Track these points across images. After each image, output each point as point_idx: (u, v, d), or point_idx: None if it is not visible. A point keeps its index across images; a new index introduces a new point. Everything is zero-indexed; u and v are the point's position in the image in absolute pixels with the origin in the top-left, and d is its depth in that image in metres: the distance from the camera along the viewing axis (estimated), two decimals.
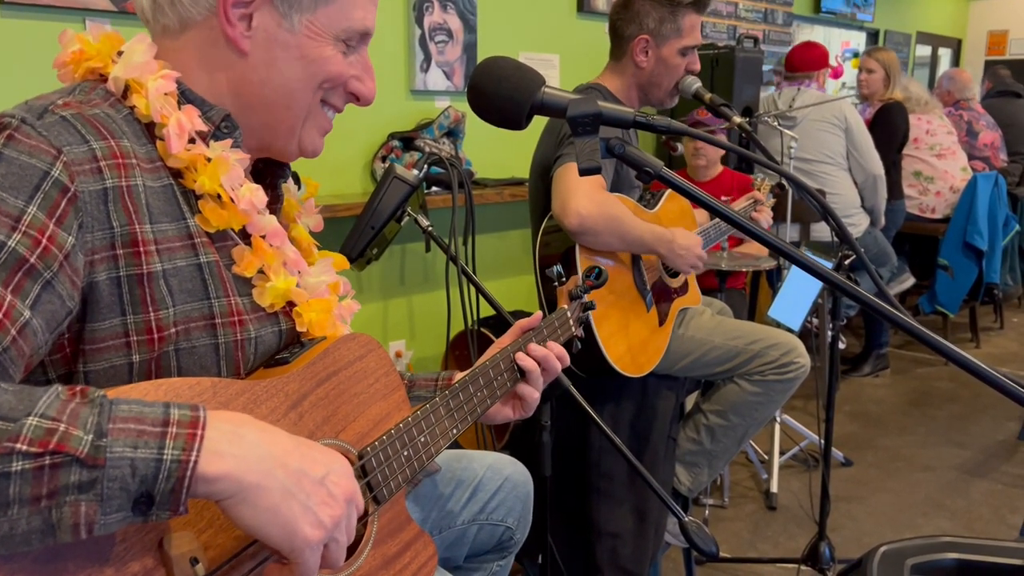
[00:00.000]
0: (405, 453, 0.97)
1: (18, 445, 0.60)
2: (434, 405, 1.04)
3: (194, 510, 0.74)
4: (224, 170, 0.88)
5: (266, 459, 0.71)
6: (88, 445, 0.62)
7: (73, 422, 0.62)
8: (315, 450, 0.77)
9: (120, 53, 0.88)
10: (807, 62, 3.72)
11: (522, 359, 1.22)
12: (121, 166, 0.81)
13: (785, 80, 3.82)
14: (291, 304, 0.96)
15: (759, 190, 2.50)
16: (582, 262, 1.86)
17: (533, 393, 1.24)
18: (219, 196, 0.89)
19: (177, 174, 0.88)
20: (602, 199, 1.84)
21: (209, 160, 0.88)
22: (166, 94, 0.87)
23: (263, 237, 0.93)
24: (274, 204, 1.02)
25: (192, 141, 0.87)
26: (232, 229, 0.91)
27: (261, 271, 0.93)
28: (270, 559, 0.79)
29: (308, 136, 0.99)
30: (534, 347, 1.23)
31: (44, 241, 0.74)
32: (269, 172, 1.03)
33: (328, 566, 0.77)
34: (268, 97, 0.94)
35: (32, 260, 0.73)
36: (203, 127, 0.89)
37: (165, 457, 0.65)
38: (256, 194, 0.92)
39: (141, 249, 0.81)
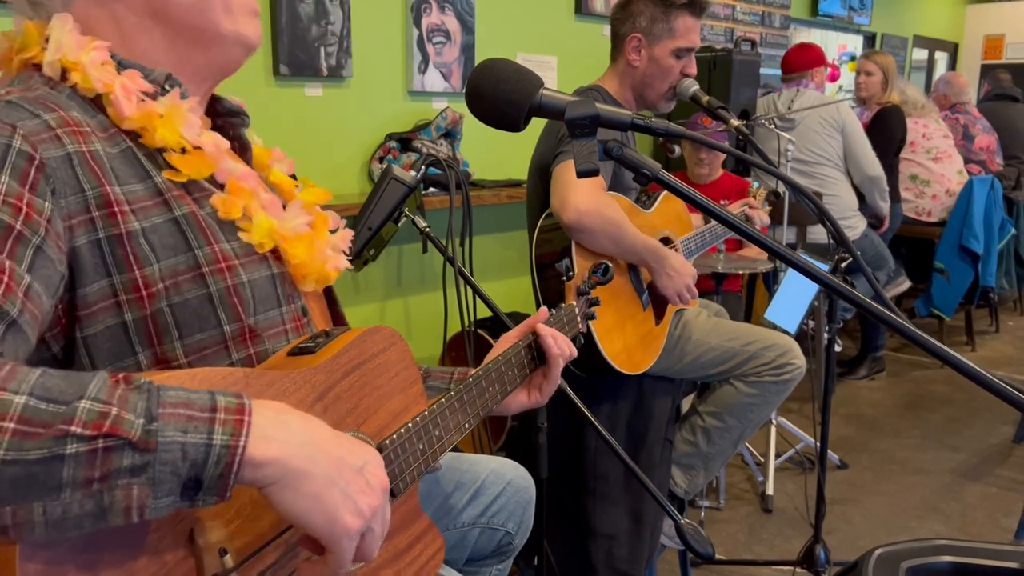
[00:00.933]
0: (420, 446, 0.98)
1: (73, 428, 0.60)
2: (449, 399, 1.05)
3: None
4: (180, 120, 0.89)
5: (309, 445, 0.71)
6: (140, 429, 0.62)
7: (124, 406, 0.62)
8: (351, 441, 0.78)
9: (48, 39, 0.88)
10: (803, 62, 3.73)
11: (543, 339, 1.23)
12: (77, 133, 0.81)
13: (783, 82, 3.83)
14: (277, 248, 0.96)
15: (755, 197, 2.50)
16: (578, 262, 1.86)
17: (556, 373, 1.24)
18: (183, 149, 0.89)
19: (134, 136, 0.88)
20: (601, 199, 1.84)
21: (162, 115, 0.88)
22: (103, 64, 0.87)
23: (236, 181, 0.93)
24: (243, 154, 1.02)
25: (141, 101, 0.88)
26: (204, 179, 0.91)
27: (244, 213, 0.92)
28: (295, 552, 0.79)
29: (242, 26, 0.96)
30: (546, 328, 1.25)
31: (24, 208, 0.74)
32: (228, 124, 1.03)
33: (362, 558, 0.77)
34: (178, 14, 0.92)
35: (18, 227, 0.73)
36: (148, 88, 0.89)
37: (215, 442, 0.65)
38: (218, 138, 0.92)
39: (116, 209, 0.82)
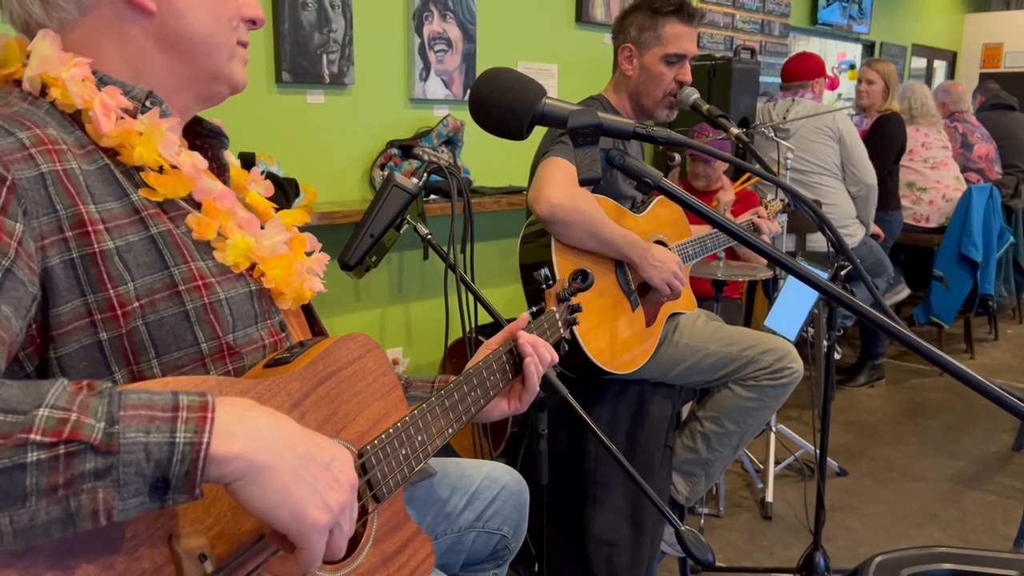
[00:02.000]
0: (403, 452, 0.98)
1: (32, 436, 0.60)
2: (430, 404, 1.05)
3: (201, 507, 0.75)
4: (159, 139, 0.89)
5: (275, 440, 0.71)
6: (101, 432, 0.62)
7: (84, 411, 0.63)
8: (318, 437, 0.78)
9: (29, 55, 0.88)
10: (801, 71, 3.74)
11: (520, 345, 1.24)
12: (52, 151, 0.82)
13: (780, 91, 3.84)
14: (253, 265, 0.97)
15: (766, 208, 2.49)
16: (557, 260, 1.87)
17: (532, 381, 1.24)
18: (161, 168, 0.89)
19: (112, 154, 0.88)
20: (576, 193, 1.85)
21: (141, 133, 0.88)
22: (83, 80, 0.87)
23: (212, 200, 0.94)
24: (222, 175, 1.03)
25: (120, 119, 0.88)
26: (180, 198, 0.91)
27: (219, 234, 0.93)
28: (273, 555, 0.79)
29: (236, 72, 1.01)
30: (525, 335, 1.26)
31: None
32: (208, 145, 1.04)
33: (330, 555, 0.77)
34: (186, 48, 0.95)
35: None
36: (128, 105, 0.89)
37: (178, 440, 0.65)
38: (196, 158, 0.93)
39: (90, 229, 0.82)
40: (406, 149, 2.71)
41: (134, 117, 0.89)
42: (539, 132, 1.67)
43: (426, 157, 2.63)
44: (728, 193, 3.01)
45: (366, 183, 2.76)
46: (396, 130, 2.80)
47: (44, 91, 0.87)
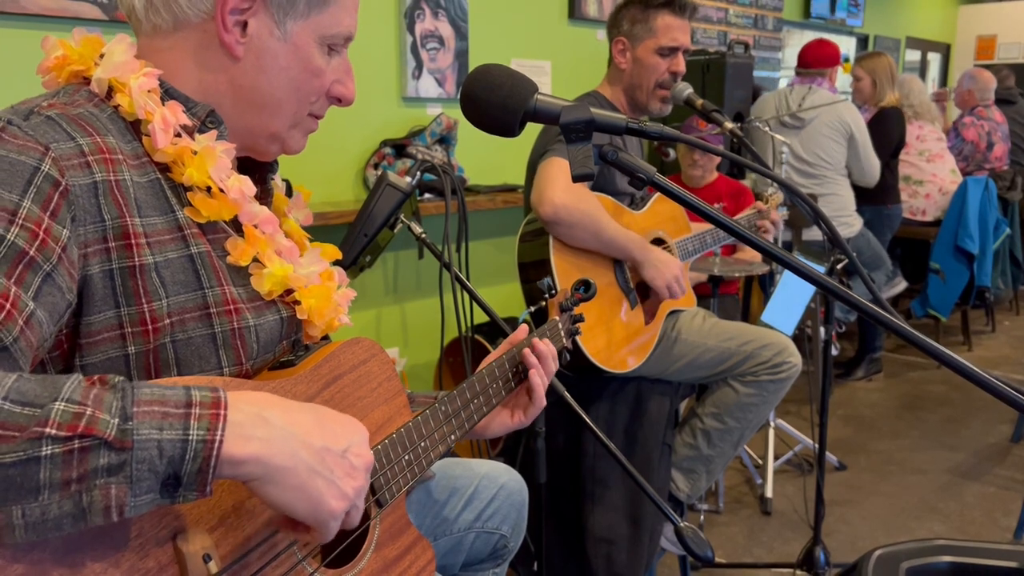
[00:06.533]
0: (406, 457, 0.98)
1: (47, 430, 0.60)
2: (433, 411, 1.05)
3: (206, 507, 0.75)
4: (212, 161, 0.89)
5: (290, 440, 0.73)
6: (115, 428, 0.63)
7: (99, 406, 0.63)
8: (335, 423, 0.79)
9: (102, 56, 0.89)
10: (821, 59, 3.71)
11: (527, 355, 1.23)
12: (108, 161, 0.82)
13: (797, 76, 3.81)
14: (288, 292, 0.97)
15: (766, 201, 2.47)
16: (555, 260, 1.86)
17: (540, 388, 1.24)
18: (208, 188, 0.89)
19: (164, 168, 0.88)
20: (580, 193, 1.85)
21: (195, 153, 0.88)
22: (149, 91, 0.88)
23: (255, 226, 0.94)
24: (264, 199, 1.03)
25: (178, 136, 0.88)
26: (224, 220, 0.91)
27: (256, 260, 0.93)
28: (281, 554, 0.81)
29: (293, 140, 1.01)
30: (537, 342, 1.25)
31: (41, 234, 0.74)
32: (256, 167, 1.04)
33: (344, 528, 0.80)
34: (256, 102, 0.95)
35: (31, 253, 0.73)
36: (188, 122, 0.90)
37: (191, 438, 0.66)
38: (245, 183, 0.93)
39: (132, 242, 0.82)
40: (399, 148, 2.70)
41: (192, 135, 0.89)
42: (532, 128, 1.67)
43: (420, 156, 2.62)
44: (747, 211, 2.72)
45: (360, 183, 2.75)
46: (389, 129, 2.79)
47: (110, 94, 0.87)
